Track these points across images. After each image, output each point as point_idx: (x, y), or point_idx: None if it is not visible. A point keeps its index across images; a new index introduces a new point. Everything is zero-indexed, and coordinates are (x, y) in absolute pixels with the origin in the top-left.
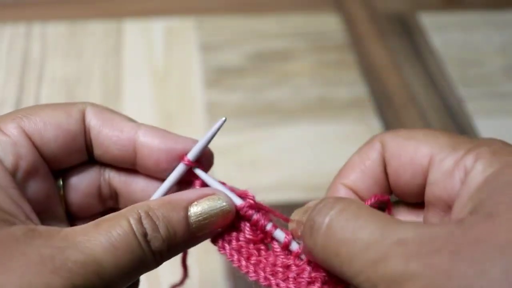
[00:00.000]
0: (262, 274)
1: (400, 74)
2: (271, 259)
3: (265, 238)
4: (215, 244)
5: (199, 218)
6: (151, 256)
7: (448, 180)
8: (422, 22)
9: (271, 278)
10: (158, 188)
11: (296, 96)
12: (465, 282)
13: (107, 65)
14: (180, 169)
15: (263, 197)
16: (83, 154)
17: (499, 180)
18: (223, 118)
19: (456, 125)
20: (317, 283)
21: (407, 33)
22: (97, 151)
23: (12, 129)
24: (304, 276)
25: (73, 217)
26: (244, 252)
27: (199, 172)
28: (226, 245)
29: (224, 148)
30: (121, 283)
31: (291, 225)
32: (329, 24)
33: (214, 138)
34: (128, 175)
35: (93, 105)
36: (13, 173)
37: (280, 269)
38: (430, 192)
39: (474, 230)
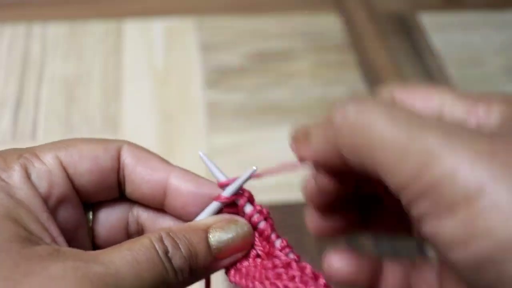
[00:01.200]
0: (267, 282)
1: (400, 74)
2: (270, 264)
3: (270, 249)
4: (227, 274)
5: (219, 240)
6: (173, 274)
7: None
8: (422, 22)
9: (278, 283)
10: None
11: (296, 96)
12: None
13: (107, 65)
14: (213, 206)
15: (263, 197)
16: (115, 190)
17: None
18: (254, 168)
19: None
20: (321, 279)
21: (407, 33)
22: (129, 188)
23: (49, 158)
24: (307, 272)
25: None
26: (251, 274)
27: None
28: (237, 274)
29: (224, 148)
30: None
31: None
32: (329, 24)
33: (214, 139)
34: (156, 214)
35: (130, 143)
36: (45, 200)
37: (282, 270)
38: None
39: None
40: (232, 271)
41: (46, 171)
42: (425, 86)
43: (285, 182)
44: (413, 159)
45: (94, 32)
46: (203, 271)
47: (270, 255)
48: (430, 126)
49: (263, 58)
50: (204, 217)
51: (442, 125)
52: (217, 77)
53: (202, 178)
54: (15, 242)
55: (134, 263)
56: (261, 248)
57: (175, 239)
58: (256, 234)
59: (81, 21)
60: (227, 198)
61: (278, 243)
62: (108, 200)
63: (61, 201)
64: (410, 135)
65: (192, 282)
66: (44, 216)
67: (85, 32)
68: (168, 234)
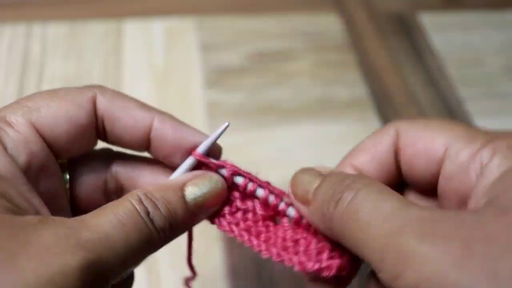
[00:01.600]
0: (274, 250)
1: (400, 74)
2: (280, 233)
3: (276, 214)
4: (220, 227)
5: (195, 197)
6: (156, 233)
7: (463, 174)
8: (422, 22)
9: (283, 253)
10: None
11: (296, 96)
12: (472, 278)
13: (107, 65)
14: (189, 161)
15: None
16: (93, 142)
17: None
18: (226, 123)
19: None
20: (325, 253)
21: (407, 33)
22: (111, 139)
23: (22, 124)
24: (312, 247)
25: (77, 211)
26: (253, 231)
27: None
28: (234, 226)
29: (224, 148)
30: (133, 261)
31: (297, 190)
32: (329, 24)
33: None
34: (134, 171)
35: (102, 91)
36: (25, 171)
37: (291, 244)
38: (445, 185)
39: (487, 224)
40: (220, 220)
41: (22, 141)
42: (434, 124)
43: (285, 182)
44: (391, 261)
45: (94, 32)
46: (182, 227)
47: (271, 217)
48: (409, 224)
49: (263, 58)
50: (181, 172)
51: (421, 222)
52: (217, 77)
53: (185, 124)
54: (4, 213)
55: (121, 225)
56: (263, 213)
57: (153, 200)
58: (258, 202)
59: (81, 21)
60: (200, 155)
61: (282, 205)
62: (86, 161)
63: (41, 170)
64: (389, 236)
65: (173, 237)
66: (24, 188)
67: (85, 32)
68: (146, 195)
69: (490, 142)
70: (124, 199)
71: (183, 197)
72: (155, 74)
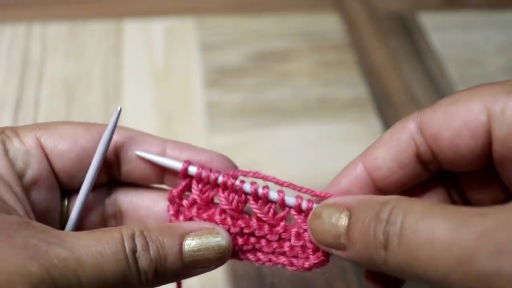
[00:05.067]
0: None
1: (400, 74)
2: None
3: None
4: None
5: (193, 249)
6: (136, 274)
7: None
8: (422, 22)
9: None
10: (163, 206)
11: (296, 96)
12: None
13: (107, 65)
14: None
15: None
16: (102, 174)
17: None
18: (119, 108)
19: None
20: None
21: (407, 33)
22: (126, 168)
23: (29, 138)
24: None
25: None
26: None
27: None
28: (250, 255)
29: (224, 148)
30: None
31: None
32: (329, 24)
33: (214, 139)
34: (134, 194)
35: (117, 126)
36: (20, 177)
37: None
38: (501, 150)
39: None
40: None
41: (23, 151)
42: (460, 95)
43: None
44: (473, 285)
45: (94, 32)
46: (171, 276)
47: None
48: (476, 246)
49: (263, 58)
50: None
51: (487, 238)
52: (217, 77)
53: (197, 147)
54: None
55: (98, 255)
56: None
57: (147, 239)
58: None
59: (81, 21)
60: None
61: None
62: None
63: (35, 182)
64: (463, 264)
65: (157, 284)
66: (18, 190)
67: (85, 32)
68: (141, 232)
69: None
70: (116, 229)
71: (180, 245)
72: (155, 74)
